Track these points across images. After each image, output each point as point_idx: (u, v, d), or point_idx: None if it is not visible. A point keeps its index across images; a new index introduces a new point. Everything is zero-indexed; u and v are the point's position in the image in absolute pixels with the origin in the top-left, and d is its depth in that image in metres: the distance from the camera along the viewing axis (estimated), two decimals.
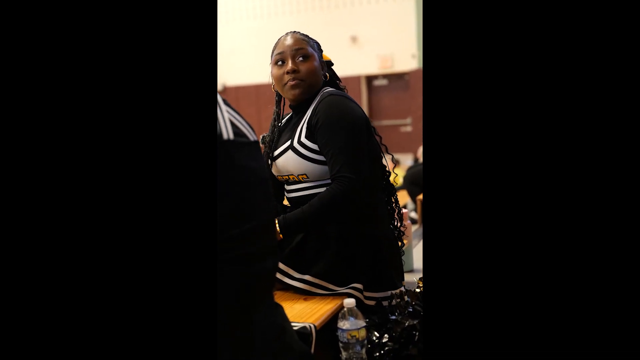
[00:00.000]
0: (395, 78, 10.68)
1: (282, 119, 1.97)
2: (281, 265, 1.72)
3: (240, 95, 10.90)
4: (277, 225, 1.65)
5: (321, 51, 1.90)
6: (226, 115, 1.05)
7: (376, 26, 10.32)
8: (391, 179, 1.97)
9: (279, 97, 1.96)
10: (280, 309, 1.24)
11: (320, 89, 1.85)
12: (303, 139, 1.76)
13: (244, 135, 1.09)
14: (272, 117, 1.97)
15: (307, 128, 1.76)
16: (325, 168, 1.74)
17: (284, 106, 1.97)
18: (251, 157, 1.10)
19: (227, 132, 1.02)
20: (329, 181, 1.74)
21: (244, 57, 10.60)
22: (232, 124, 1.06)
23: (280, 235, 1.68)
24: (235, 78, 10.94)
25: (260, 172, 1.14)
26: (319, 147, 1.73)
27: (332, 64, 1.97)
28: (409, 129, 10.50)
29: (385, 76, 10.74)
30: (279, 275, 1.72)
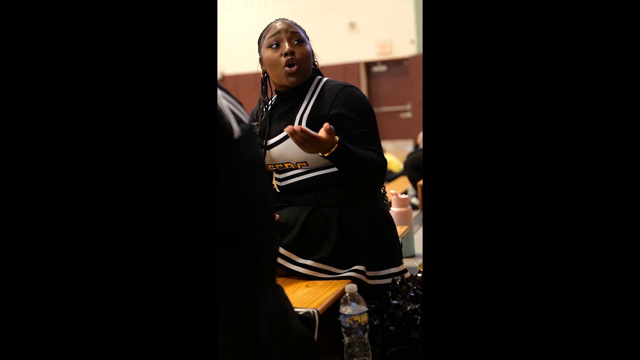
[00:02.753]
0: (394, 64, 10.64)
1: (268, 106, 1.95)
2: (283, 251, 1.73)
3: (239, 83, 10.86)
4: (335, 144, 1.63)
5: (308, 39, 1.91)
6: (226, 104, 1.05)
7: (374, 12, 10.26)
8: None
9: (265, 85, 1.95)
10: (281, 290, 1.25)
11: (312, 77, 1.86)
12: (305, 128, 1.76)
13: (242, 122, 1.10)
14: (259, 106, 1.95)
15: (313, 117, 1.76)
16: None
17: (271, 94, 1.96)
18: (251, 146, 1.10)
19: (237, 130, 1.02)
20: (327, 167, 1.76)
21: (242, 45, 10.55)
22: (233, 113, 1.07)
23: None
24: (233, 66, 10.90)
25: (260, 161, 1.15)
26: (336, 127, 1.72)
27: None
28: (408, 115, 10.48)
29: (384, 62, 10.70)
30: (281, 261, 1.73)
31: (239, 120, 1.07)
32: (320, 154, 1.64)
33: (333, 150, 1.61)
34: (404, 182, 5.15)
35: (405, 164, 4.90)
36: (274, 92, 1.94)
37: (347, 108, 1.73)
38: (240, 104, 1.14)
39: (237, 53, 10.59)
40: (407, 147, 8.82)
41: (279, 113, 1.88)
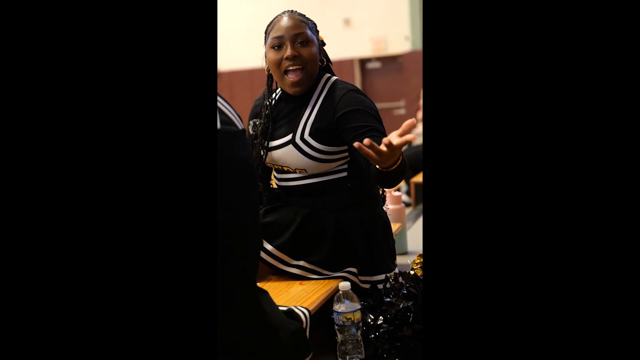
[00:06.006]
0: (389, 61, 10.62)
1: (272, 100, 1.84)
2: (276, 252, 1.73)
3: (234, 80, 10.81)
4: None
5: (317, 32, 1.80)
6: None
7: (369, 8, 10.23)
8: None
9: (271, 80, 1.83)
10: (266, 295, 1.24)
11: (320, 76, 1.76)
12: (307, 137, 1.69)
13: (232, 124, 1.08)
14: (264, 102, 1.83)
15: (318, 126, 1.69)
16: (325, 164, 1.71)
17: (276, 89, 1.85)
18: (238, 145, 1.08)
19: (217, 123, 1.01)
20: (326, 174, 1.73)
21: (237, 41, 10.51)
22: (221, 111, 1.05)
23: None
24: (228, 62, 10.84)
25: (247, 161, 1.12)
26: (343, 127, 1.63)
27: (324, 44, 1.85)
28: (402, 111, 10.46)
29: (378, 59, 10.68)
30: (273, 262, 1.72)
31: (225, 121, 1.05)
32: (378, 167, 1.43)
33: (397, 164, 1.42)
34: None
35: None
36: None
37: (352, 107, 1.64)
38: (234, 109, 1.13)
39: (232, 49, 10.54)
40: None
41: (283, 113, 1.78)
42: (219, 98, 1.07)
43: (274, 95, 1.85)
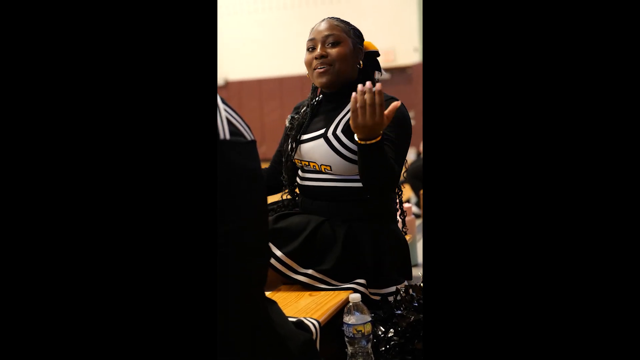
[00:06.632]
0: (398, 72, 10.66)
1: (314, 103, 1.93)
2: (286, 259, 1.72)
3: (243, 89, 10.87)
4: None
5: (361, 39, 1.86)
6: (224, 113, 1.04)
7: (378, 20, 10.29)
8: None
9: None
10: (275, 305, 1.23)
11: (357, 79, 1.80)
12: (339, 133, 1.74)
13: (241, 135, 1.09)
14: (308, 101, 1.92)
15: (349, 123, 1.69)
16: (351, 165, 1.72)
17: (320, 93, 1.94)
18: (248, 156, 1.09)
19: (223, 132, 1.02)
20: (352, 177, 1.73)
21: (246, 51, 10.57)
22: (229, 122, 1.06)
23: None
24: (237, 72, 10.91)
25: (256, 171, 1.13)
26: None
27: (379, 55, 1.93)
28: (411, 122, 10.48)
29: (387, 70, 10.72)
30: (282, 268, 1.72)
31: (234, 132, 1.06)
32: (360, 137, 1.52)
33: (375, 141, 1.51)
34: (406, 191, 5.14)
35: (408, 172, 4.88)
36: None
37: None
38: (244, 121, 1.13)
39: (242, 59, 10.60)
40: (410, 155, 8.82)
41: (321, 111, 1.87)
42: (228, 109, 1.08)
43: (317, 98, 1.93)
